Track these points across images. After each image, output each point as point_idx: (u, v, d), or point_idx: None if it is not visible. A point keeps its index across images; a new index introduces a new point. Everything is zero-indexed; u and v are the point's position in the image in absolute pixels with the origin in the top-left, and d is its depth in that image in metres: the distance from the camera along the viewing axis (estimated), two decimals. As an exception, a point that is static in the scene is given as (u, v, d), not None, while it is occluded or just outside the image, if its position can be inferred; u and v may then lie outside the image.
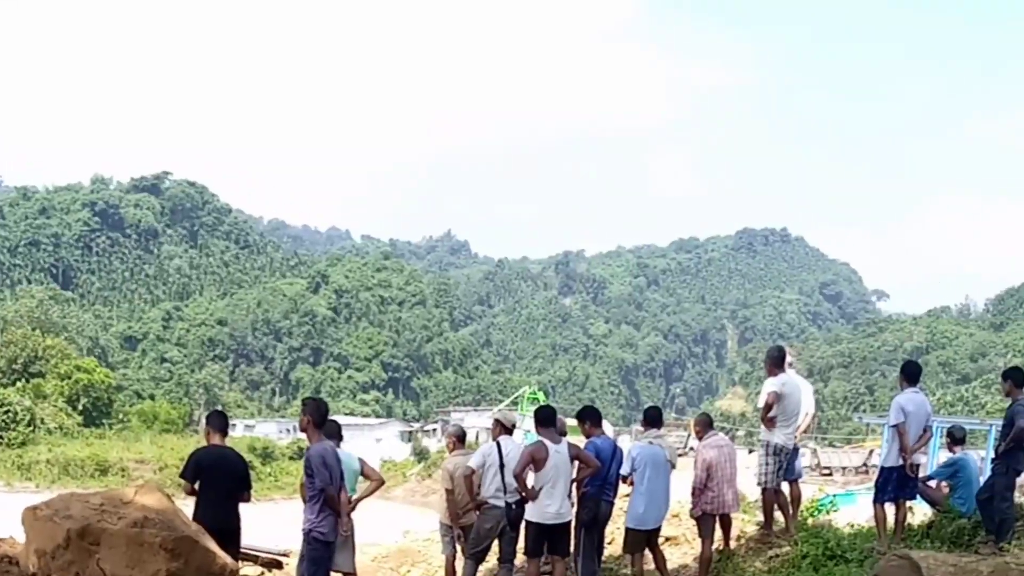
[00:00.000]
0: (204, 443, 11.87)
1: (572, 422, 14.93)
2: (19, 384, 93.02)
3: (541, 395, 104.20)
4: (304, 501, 11.27)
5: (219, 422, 12.01)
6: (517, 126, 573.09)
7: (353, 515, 11.82)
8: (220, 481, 11.40)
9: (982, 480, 13.38)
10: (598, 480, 12.96)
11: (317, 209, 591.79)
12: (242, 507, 11.66)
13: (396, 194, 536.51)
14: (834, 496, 19.34)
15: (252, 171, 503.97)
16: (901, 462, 12.82)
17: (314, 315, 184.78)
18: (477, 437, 75.33)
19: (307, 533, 11.05)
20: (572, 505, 12.66)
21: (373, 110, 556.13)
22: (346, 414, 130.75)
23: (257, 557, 16.32)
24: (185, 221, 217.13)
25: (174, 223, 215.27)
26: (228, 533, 11.15)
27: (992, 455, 13.74)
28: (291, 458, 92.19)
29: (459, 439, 14.79)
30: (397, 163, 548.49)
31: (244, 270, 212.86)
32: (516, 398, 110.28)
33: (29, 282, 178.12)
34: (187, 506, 11.15)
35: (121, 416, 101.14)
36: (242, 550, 12.49)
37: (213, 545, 10.35)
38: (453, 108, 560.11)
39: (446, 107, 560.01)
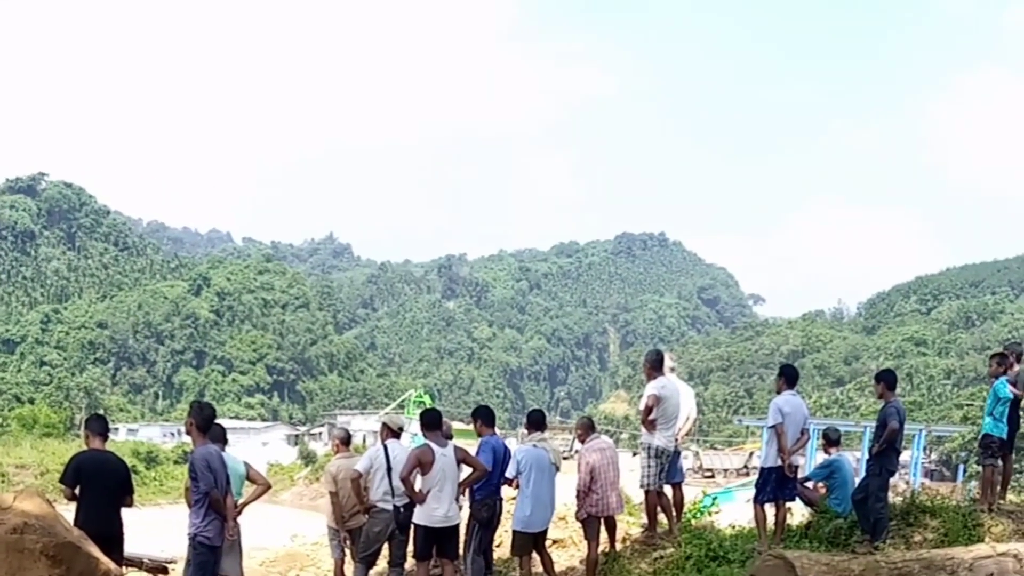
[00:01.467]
0: (85, 447, 11.73)
1: (459, 425, 14.97)
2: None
3: (427, 398, 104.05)
4: (189, 505, 11.17)
5: (99, 426, 11.88)
6: (398, 128, 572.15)
7: (240, 519, 11.76)
8: (101, 486, 11.25)
9: (857, 481, 13.71)
10: (495, 478, 13.08)
11: (197, 211, 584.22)
12: (127, 513, 11.53)
13: (277, 196, 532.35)
14: (714, 496, 19.64)
15: (130, 172, 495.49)
16: (780, 463, 13.06)
17: (196, 318, 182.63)
18: (364, 440, 75.35)
19: (192, 538, 10.96)
20: (460, 508, 12.72)
21: (253, 111, 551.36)
22: (231, 417, 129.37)
23: (142, 563, 16.14)
24: (62, 223, 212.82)
25: (51, 225, 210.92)
26: (111, 539, 10.98)
27: (867, 456, 14.07)
28: (176, 462, 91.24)
29: (344, 442, 14.80)
30: (278, 165, 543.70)
31: (124, 272, 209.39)
32: (402, 401, 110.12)
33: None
34: (69, 512, 11.00)
35: (1, 421, 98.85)
36: (126, 556, 12.34)
37: (96, 551, 10.22)
38: (333, 109, 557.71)
39: (326, 108, 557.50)
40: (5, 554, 9.59)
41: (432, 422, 12.47)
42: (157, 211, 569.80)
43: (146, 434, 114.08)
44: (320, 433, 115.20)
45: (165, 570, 16.51)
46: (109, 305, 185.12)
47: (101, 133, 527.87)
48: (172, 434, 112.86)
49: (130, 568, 14.77)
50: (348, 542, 13.97)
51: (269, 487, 13.24)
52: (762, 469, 13.73)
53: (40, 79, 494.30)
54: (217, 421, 11.64)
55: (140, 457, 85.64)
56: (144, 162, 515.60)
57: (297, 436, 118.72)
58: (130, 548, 12.18)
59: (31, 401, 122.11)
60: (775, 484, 13.27)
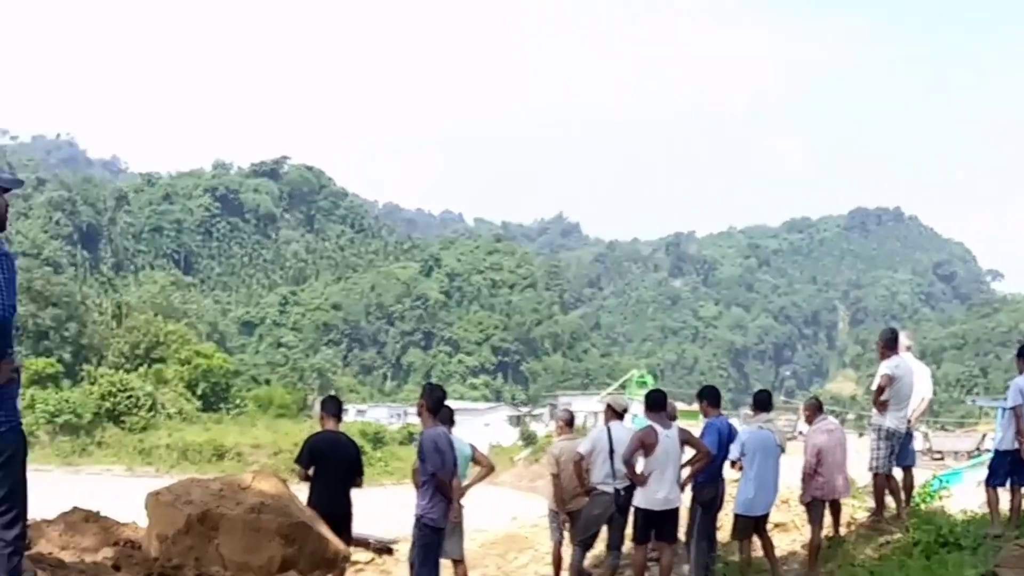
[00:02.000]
0: (318, 428, 12.08)
1: (681, 405, 14.80)
2: (141, 369, 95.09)
3: (649, 378, 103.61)
4: (416, 487, 11.31)
5: (333, 407, 12.23)
6: (629, 105, 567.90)
7: (462, 501, 11.94)
8: (334, 467, 11.54)
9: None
10: (718, 460, 12.97)
11: (431, 193, 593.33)
12: (354, 493, 11.84)
13: (509, 177, 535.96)
14: (944, 479, 18.98)
15: (367, 155, 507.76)
16: (1017, 446, 12.52)
17: (426, 299, 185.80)
18: (585, 422, 75.46)
19: (418, 519, 11.06)
20: (681, 491, 12.64)
21: (483, 94, 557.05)
22: (456, 398, 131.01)
23: (368, 543, 16.55)
24: (302, 205, 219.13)
25: (292, 207, 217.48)
26: (341, 519, 11.32)
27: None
28: (401, 443, 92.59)
29: (568, 423, 14.84)
30: (510, 146, 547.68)
31: (359, 254, 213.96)
32: (624, 382, 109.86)
33: (152, 268, 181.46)
34: (301, 492, 11.36)
35: (238, 401, 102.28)
36: (354, 536, 12.67)
37: (327, 531, 10.52)
38: (564, 89, 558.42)
39: (557, 88, 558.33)
40: (242, 532, 9.98)
41: (656, 403, 12.39)
42: (392, 193, 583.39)
43: (374, 415, 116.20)
44: (541, 414, 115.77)
45: (390, 550, 16.91)
46: (344, 287, 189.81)
47: (340, 117, 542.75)
48: (399, 415, 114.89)
49: (357, 548, 15.15)
50: (567, 525, 14.03)
51: (493, 469, 13.40)
52: (997, 451, 13.19)
53: (282, 67, 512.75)
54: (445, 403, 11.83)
55: (367, 438, 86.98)
56: (381, 145, 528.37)
57: (519, 417, 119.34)
58: (357, 528, 12.48)
59: (267, 382, 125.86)
60: (1010, 468, 12.71)
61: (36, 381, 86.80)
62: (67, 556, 9.65)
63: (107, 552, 9.88)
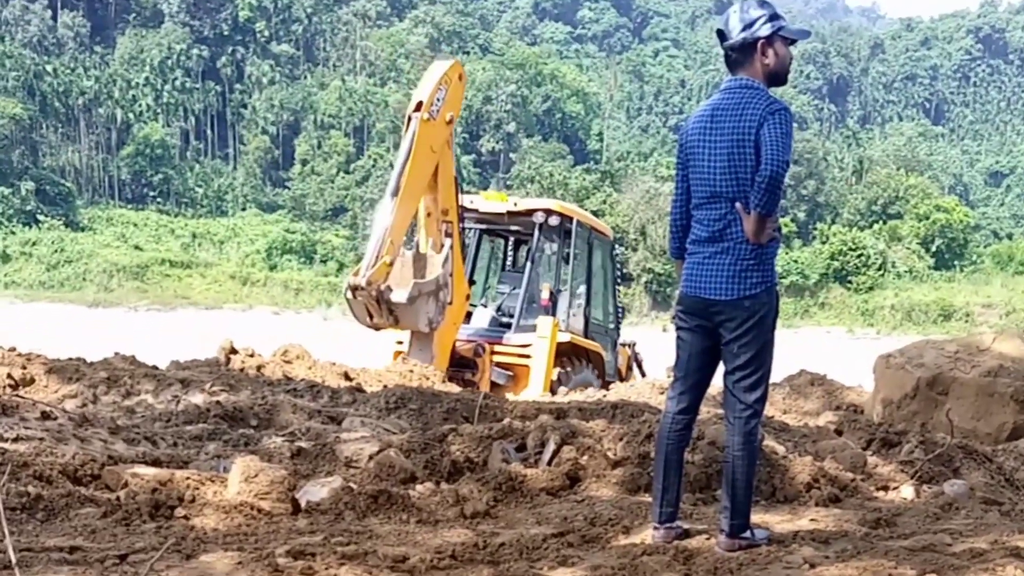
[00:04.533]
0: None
1: None
2: (876, 227, 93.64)
3: None
4: None
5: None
6: None
7: None
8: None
9: None
10: None
11: None
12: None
13: None
14: None
15: None
16: None
17: None
18: None
19: None
20: None
21: None
22: None
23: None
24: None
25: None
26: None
27: None
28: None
29: None
30: None
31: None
32: None
33: (900, 119, 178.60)
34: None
35: (974, 258, 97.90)
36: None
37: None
38: None
39: None
40: (975, 397, 9.54)
41: None
42: None
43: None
44: None
45: None
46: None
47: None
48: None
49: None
50: None
51: None
52: None
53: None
54: None
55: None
56: None
57: None
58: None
59: (1009, 236, 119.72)
60: None
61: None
62: (790, 419, 9.84)
63: (829, 416, 9.75)
